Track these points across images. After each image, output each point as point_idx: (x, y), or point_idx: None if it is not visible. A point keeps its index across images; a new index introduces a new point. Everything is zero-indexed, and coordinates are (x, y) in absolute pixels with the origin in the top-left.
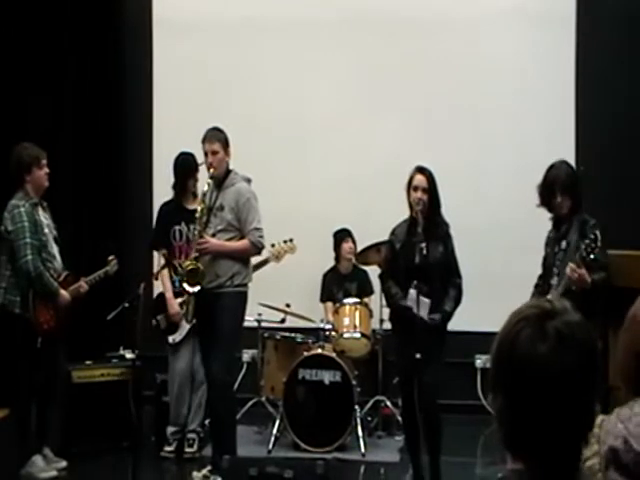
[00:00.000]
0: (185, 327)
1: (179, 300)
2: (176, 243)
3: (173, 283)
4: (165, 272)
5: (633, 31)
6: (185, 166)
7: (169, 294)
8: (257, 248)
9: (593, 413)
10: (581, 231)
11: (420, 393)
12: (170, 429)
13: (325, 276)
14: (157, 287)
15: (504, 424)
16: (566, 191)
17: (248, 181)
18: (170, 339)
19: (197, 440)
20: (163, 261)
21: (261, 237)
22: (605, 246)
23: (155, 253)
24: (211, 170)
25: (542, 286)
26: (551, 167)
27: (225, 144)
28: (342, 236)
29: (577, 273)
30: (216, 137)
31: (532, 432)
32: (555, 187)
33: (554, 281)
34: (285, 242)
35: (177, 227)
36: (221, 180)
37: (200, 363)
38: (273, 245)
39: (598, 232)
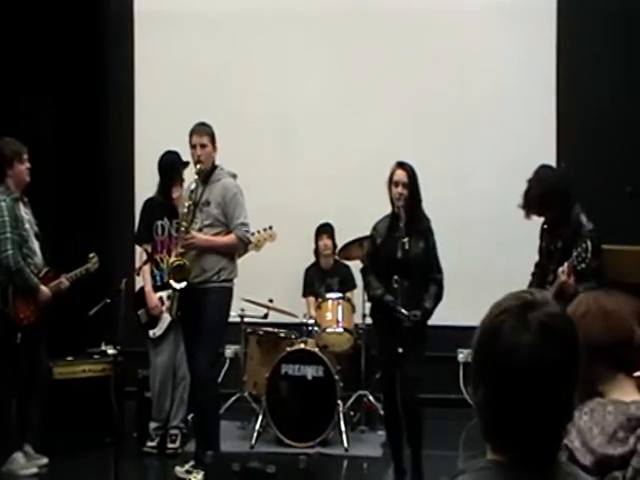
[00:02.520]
0: (165, 321)
1: (160, 294)
2: (158, 238)
3: (154, 277)
4: (146, 267)
5: (614, 25)
6: (171, 166)
7: (148, 287)
8: (244, 243)
9: (573, 404)
10: (575, 233)
11: (401, 387)
12: (152, 424)
13: (307, 271)
14: (139, 282)
15: (485, 415)
16: (542, 209)
17: (234, 177)
18: (151, 333)
19: (179, 436)
20: (145, 256)
21: (247, 232)
22: (598, 251)
23: (138, 248)
24: (198, 165)
25: (539, 275)
26: (533, 178)
27: (213, 139)
28: (319, 233)
29: (566, 279)
30: (205, 131)
31: (514, 422)
32: (530, 209)
33: (550, 278)
34: (265, 230)
35: (160, 222)
36: (207, 175)
37: (182, 358)
38: (252, 234)
39: (589, 242)
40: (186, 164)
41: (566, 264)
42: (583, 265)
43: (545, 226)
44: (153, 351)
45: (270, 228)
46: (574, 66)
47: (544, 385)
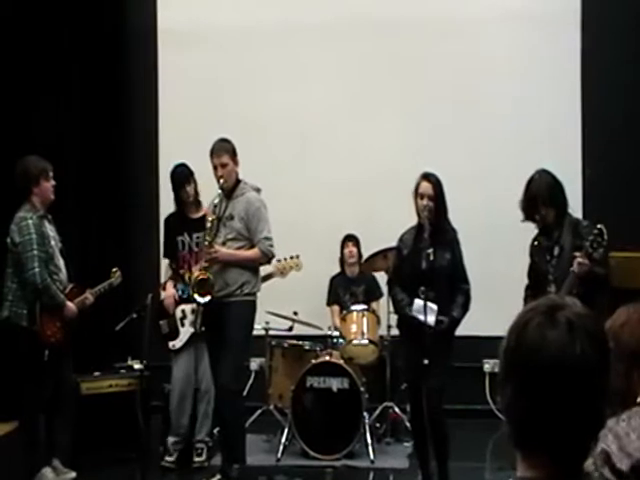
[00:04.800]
0: (186, 334)
1: (182, 307)
2: (180, 253)
3: (177, 291)
4: (170, 282)
5: (639, 31)
6: (178, 177)
7: (168, 292)
8: (267, 257)
9: (603, 409)
10: (574, 233)
11: (426, 399)
12: (171, 439)
13: (332, 280)
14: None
15: (513, 419)
16: (549, 203)
17: (257, 190)
18: (170, 345)
19: (206, 449)
20: (170, 272)
21: (271, 246)
22: (606, 245)
23: (163, 263)
24: (221, 180)
25: (533, 297)
26: (530, 181)
27: (233, 154)
28: (345, 241)
29: (585, 265)
30: (224, 149)
31: (542, 424)
32: (537, 201)
33: (551, 289)
34: (292, 258)
35: (180, 237)
36: (231, 190)
37: (204, 372)
38: (279, 260)
39: (602, 226)
40: (192, 173)
41: (578, 257)
42: (600, 250)
43: (535, 243)
44: (174, 363)
45: (297, 257)
46: (598, 71)
47: (571, 383)
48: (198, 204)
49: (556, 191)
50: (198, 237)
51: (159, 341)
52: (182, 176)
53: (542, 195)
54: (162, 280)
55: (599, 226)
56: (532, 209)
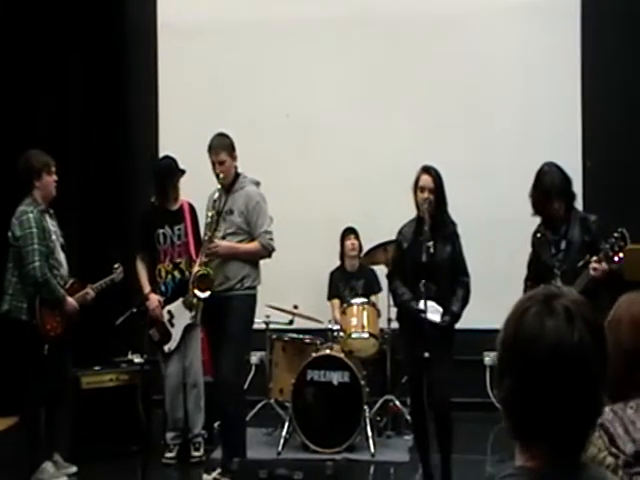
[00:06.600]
0: (178, 332)
1: (168, 308)
2: (160, 247)
3: (160, 288)
4: (143, 272)
5: (639, 26)
6: (165, 170)
7: (146, 290)
8: (267, 251)
9: (602, 398)
10: (582, 228)
11: (431, 392)
12: (169, 435)
13: (332, 274)
14: None
15: (512, 410)
16: (563, 195)
17: (257, 184)
18: (165, 349)
19: (202, 443)
20: (144, 269)
21: (271, 240)
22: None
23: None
24: (221, 176)
25: (532, 287)
26: (540, 173)
27: (231, 150)
28: (345, 234)
29: (599, 270)
30: (221, 146)
31: (541, 413)
32: (551, 194)
33: (557, 283)
34: None
35: (161, 230)
36: (230, 184)
37: (190, 366)
38: None
39: (624, 230)
40: (182, 172)
41: (594, 262)
42: (621, 254)
43: (538, 235)
44: (164, 363)
45: None
46: (599, 67)
47: (570, 371)
48: (177, 196)
49: (568, 184)
50: (179, 229)
51: (153, 348)
52: (173, 170)
53: (556, 188)
54: (140, 278)
55: (620, 229)
56: (545, 202)
